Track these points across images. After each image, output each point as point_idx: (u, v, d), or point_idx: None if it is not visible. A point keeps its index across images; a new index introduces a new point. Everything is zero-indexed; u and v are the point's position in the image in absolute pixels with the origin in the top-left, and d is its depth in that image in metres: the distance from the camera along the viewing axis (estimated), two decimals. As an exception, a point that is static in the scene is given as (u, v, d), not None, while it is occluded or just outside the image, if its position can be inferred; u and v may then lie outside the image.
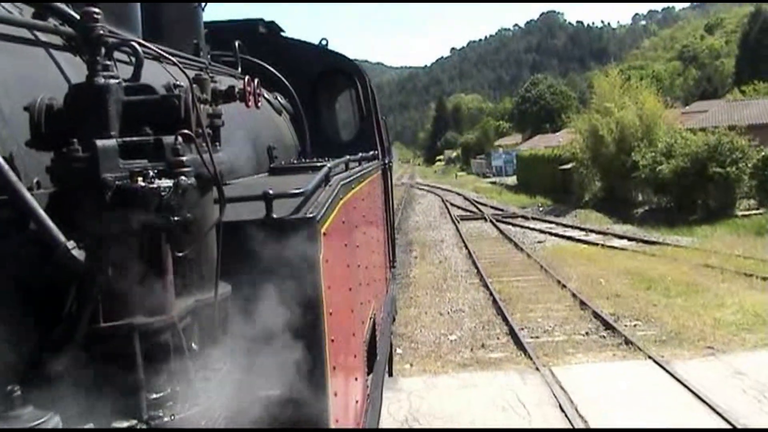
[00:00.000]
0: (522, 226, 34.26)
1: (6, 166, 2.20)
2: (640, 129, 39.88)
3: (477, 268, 22.07)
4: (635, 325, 14.40)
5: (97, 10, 2.67)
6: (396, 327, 13.58)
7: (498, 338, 14.15)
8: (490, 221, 36.41)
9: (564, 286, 18.11)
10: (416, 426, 9.99)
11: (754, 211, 31.15)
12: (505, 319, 15.23)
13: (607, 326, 14.14)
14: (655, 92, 43.79)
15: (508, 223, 35.68)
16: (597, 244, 26.45)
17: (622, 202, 38.75)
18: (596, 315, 14.99)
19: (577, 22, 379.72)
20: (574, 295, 16.96)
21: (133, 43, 3.05)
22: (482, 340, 13.99)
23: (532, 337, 13.94)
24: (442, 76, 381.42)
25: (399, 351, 13.37)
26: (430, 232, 33.76)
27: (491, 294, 17.85)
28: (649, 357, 11.96)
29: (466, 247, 26.93)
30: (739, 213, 31.29)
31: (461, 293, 18.67)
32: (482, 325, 15.19)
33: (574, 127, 48.17)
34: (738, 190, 32.00)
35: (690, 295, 16.59)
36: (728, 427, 9.10)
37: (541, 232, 31.60)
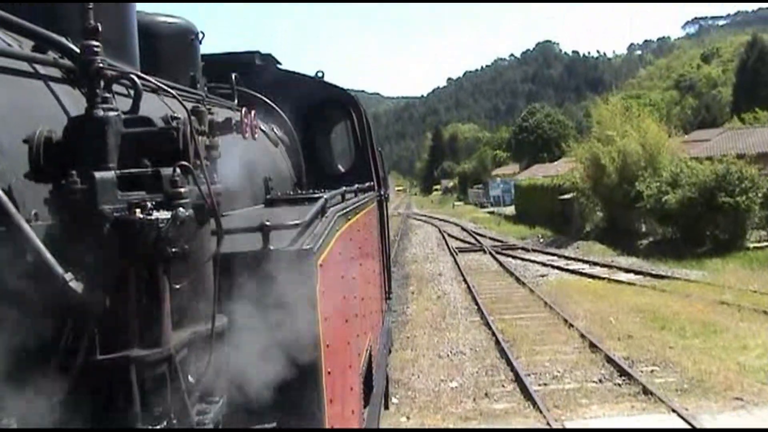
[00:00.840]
0: (523, 259, 32.89)
1: (5, 199, 2.24)
2: (643, 158, 38.65)
3: (477, 304, 20.83)
4: (652, 371, 13.14)
5: (96, 43, 2.72)
6: (392, 371, 12.49)
7: (503, 385, 12.93)
8: (490, 253, 35.13)
9: (571, 325, 16.88)
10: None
11: (766, 243, 29.92)
12: (509, 363, 14.01)
13: (622, 372, 12.89)
14: (657, 120, 42.75)
15: (508, 255, 34.38)
16: (603, 278, 25.09)
17: (625, 233, 37.49)
18: (609, 359, 13.74)
19: (573, 51, 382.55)
20: (582, 335, 15.73)
21: (132, 76, 3.17)
22: (485, 388, 12.76)
23: (540, 385, 12.71)
24: (438, 106, 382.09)
25: (395, 401, 12.15)
26: (427, 264, 32.43)
27: (494, 334, 16.63)
28: (673, 410, 10.72)
29: (465, 281, 25.67)
30: (751, 245, 30.01)
31: (461, 333, 17.43)
32: (485, 370, 13.97)
33: (574, 155, 47.04)
34: (748, 221, 30.77)
35: (708, 336, 15.40)
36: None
37: (543, 264, 30.30)
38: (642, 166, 37.89)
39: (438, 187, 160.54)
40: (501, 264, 30.79)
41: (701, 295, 20.13)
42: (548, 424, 10.63)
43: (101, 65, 2.72)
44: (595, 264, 29.46)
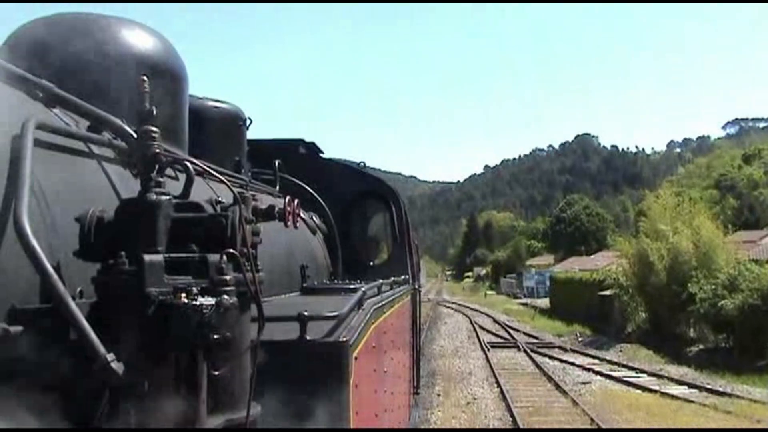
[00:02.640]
0: (561, 360, 30.20)
1: (55, 276, 2.32)
2: (695, 257, 35.89)
3: (512, 415, 18.61)
4: None
5: (154, 128, 2.82)
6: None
7: None
8: (525, 351, 32.55)
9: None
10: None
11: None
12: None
13: None
14: (710, 216, 39.89)
15: (545, 355, 31.75)
16: (653, 391, 22.43)
17: (671, 338, 34.40)
18: None
19: (612, 146, 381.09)
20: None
21: (186, 162, 3.37)
22: None
23: None
24: (474, 192, 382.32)
25: None
26: (456, 360, 29.94)
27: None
28: None
29: (498, 385, 23.29)
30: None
31: (495, 455, 14.91)
32: None
33: (619, 249, 44.20)
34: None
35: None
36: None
37: (585, 369, 27.62)
38: (694, 266, 34.99)
39: (470, 274, 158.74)
40: (537, 365, 28.34)
41: (773, 420, 17.86)
42: None
43: (158, 150, 2.77)
44: (642, 372, 26.73)
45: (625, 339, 37.46)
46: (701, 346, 32.33)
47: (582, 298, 49.46)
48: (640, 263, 38.49)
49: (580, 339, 40.19)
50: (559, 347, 35.08)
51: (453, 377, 25.34)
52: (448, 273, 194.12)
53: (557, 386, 23.18)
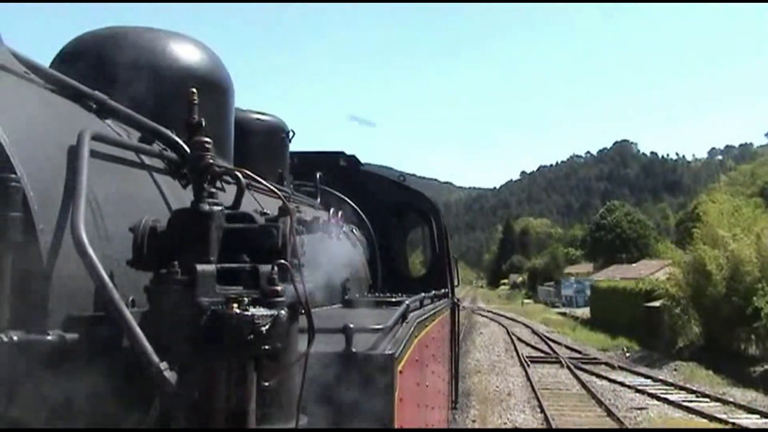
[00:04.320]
0: (609, 379, 27.06)
1: (110, 285, 2.37)
2: (758, 266, 32.42)
3: None
4: None
5: (207, 139, 2.88)
6: None
7: None
8: (568, 367, 29.60)
9: None
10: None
11: None
12: None
13: None
14: (774, 223, 36.24)
15: (591, 372, 28.70)
16: (720, 419, 19.40)
17: (729, 355, 30.91)
18: None
19: (651, 152, 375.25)
20: None
21: (237, 173, 3.43)
22: None
23: None
24: (510, 199, 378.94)
25: None
26: (493, 377, 27.15)
27: None
28: None
29: (542, 410, 20.48)
30: None
31: None
32: None
33: (669, 258, 40.85)
34: None
35: None
36: None
37: (637, 390, 24.44)
38: (758, 277, 31.66)
39: (506, 281, 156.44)
40: (584, 385, 25.36)
41: None
42: None
43: (211, 161, 2.81)
44: (704, 396, 23.48)
45: (677, 356, 33.95)
46: (767, 366, 28.85)
47: (626, 309, 46.09)
48: (694, 272, 35.12)
49: (627, 355, 36.95)
50: (606, 364, 32.05)
51: (490, 399, 22.69)
52: (482, 280, 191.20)
53: (609, 412, 20.52)
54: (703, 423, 19.45)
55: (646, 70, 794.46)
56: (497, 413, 20.37)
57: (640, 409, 21.32)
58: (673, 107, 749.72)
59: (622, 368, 30.63)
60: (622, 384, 25.83)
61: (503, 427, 19.02)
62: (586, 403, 22.26)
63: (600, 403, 21.84)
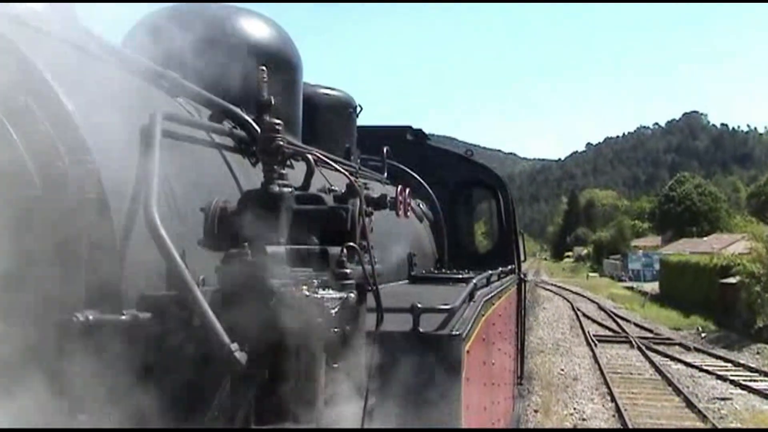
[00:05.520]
0: (685, 363, 24.53)
1: (182, 265, 2.37)
2: None
3: None
4: None
5: (278, 121, 2.90)
6: None
7: None
8: (639, 348, 27.51)
9: None
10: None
11: None
12: None
13: None
14: None
15: (665, 355, 26.20)
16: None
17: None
18: None
19: (722, 124, 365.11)
20: None
21: (308, 155, 3.37)
22: None
23: None
24: (575, 171, 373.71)
25: None
26: (557, 359, 25.21)
27: None
28: None
29: (612, 398, 18.70)
30: None
31: None
32: None
33: (746, 232, 39.26)
34: None
35: None
36: None
37: (718, 377, 21.96)
38: None
39: (570, 253, 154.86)
40: (657, 369, 23.09)
41: None
42: None
43: (281, 143, 2.81)
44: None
45: (757, 337, 30.94)
46: None
47: (699, 286, 43.62)
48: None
49: (703, 335, 33.84)
50: (680, 345, 29.58)
51: (554, 384, 20.76)
52: (546, 252, 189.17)
53: (688, 402, 18.41)
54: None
55: (718, 40, 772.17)
56: (562, 402, 18.67)
57: (724, 399, 19.21)
58: (745, 77, 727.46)
59: (698, 350, 28.33)
60: (699, 368, 23.57)
61: (568, 419, 17.24)
62: (662, 391, 20.29)
63: (677, 390, 19.77)
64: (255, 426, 2.38)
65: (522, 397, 11.27)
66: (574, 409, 18.08)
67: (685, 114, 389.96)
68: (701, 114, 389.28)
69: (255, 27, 4.65)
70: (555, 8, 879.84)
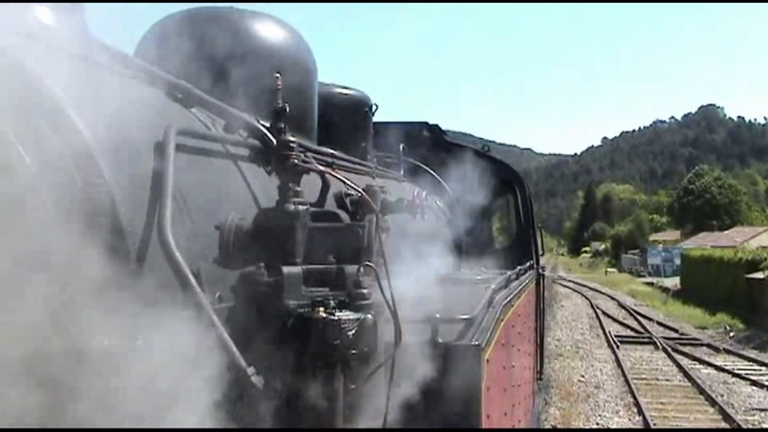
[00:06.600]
0: (716, 366, 22.65)
1: (197, 288, 2.29)
2: None
3: None
4: None
5: (293, 139, 2.97)
6: None
7: None
8: (664, 349, 25.72)
9: None
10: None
11: None
12: None
13: None
14: None
15: (693, 358, 24.45)
16: None
17: None
18: None
19: (738, 117, 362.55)
20: None
21: (324, 172, 3.29)
22: None
23: None
24: (591, 165, 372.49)
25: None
26: (577, 363, 23.61)
27: None
28: None
29: (639, 409, 17.05)
30: None
31: None
32: None
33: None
34: None
35: None
36: None
37: (753, 383, 20.15)
38: None
39: (587, 249, 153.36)
40: (686, 374, 21.28)
41: None
42: None
43: (296, 161, 2.85)
44: None
45: None
46: None
47: (724, 281, 41.76)
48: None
49: (731, 334, 31.39)
50: (708, 346, 27.61)
51: (574, 393, 19.21)
52: (563, 247, 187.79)
53: (723, 413, 16.69)
54: None
55: (735, 32, 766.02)
56: (584, 414, 17.15)
57: (764, 410, 17.44)
58: (761, 69, 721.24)
59: (728, 351, 26.28)
60: (731, 373, 21.65)
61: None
62: (694, 400, 18.54)
63: (711, 400, 18.00)
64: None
65: (540, 391, 11.34)
66: (596, 422, 16.69)
67: (701, 107, 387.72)
68: (718, 107, 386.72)
69: (270, 30, 4.62)
70: (567, 4, 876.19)
